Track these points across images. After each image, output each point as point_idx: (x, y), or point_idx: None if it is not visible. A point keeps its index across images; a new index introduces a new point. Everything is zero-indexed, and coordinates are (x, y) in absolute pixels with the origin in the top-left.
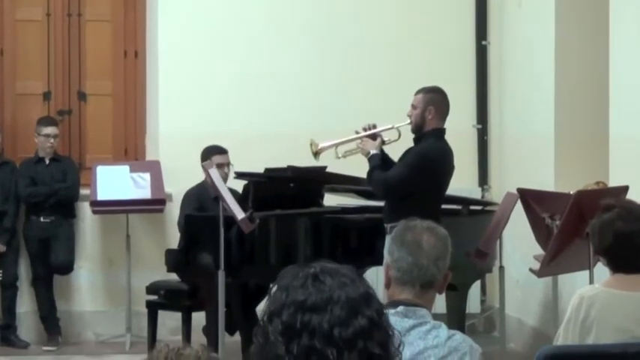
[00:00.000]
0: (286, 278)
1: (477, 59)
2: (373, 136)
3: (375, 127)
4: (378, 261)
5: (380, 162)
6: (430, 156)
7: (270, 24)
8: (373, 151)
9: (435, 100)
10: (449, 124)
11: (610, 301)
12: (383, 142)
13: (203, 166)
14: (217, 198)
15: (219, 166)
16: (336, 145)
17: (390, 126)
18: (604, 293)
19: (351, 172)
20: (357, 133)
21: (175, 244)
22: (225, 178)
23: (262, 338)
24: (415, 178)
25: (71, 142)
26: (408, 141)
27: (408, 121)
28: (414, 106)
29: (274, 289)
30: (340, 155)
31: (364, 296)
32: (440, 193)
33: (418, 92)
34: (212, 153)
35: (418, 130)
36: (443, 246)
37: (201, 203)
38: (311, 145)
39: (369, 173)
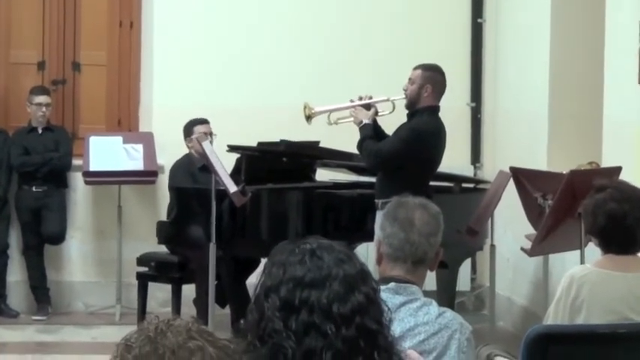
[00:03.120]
0: (282, 254)
1: (472, 37)
2: (367, 106)
3: (370, 98)
4: (369, 237)
5: (372, 132)
6: (424, 132)
7: None
8: (366, 121)
9: (433, 79)
10: (443, 101)
11: (600, 281)
12: (376, 113)
13: (197, 139)
14: (204, 167)
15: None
16: (330, 112)
17: (385, 98)
18: (595, 273)
19: (344, 147)
20: (352, 101)
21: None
22: None
23: (257, 314)
24: (407, 153)
25: (64, 112)
26: (402, 115)
27: (404, 95)
28: (411, 81)
29: (270, 264)
30: (332, 122)
31: (360, 273)
32: (431, 170)
33: (417, 68)
34: (194, 125)
35: (412, 106)
36: (435, 223)
37: (191, 174)
38: (305, 108)
39: (360, 142)
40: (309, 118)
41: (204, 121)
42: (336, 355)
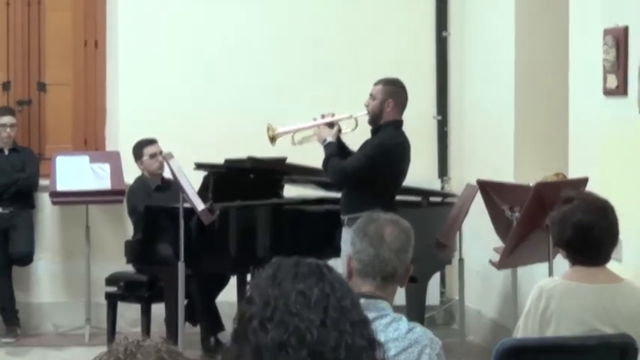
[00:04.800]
0: (286, 275)
1: (437, 50)
2: (330, 124)
3: (333, 115)
4: (337, 252)
5: (336, 150)
6: (388, 147)
7: (232, 13)
8: (330, 139)
9: (394, 93)
10: (409, 115)
11: (569, 292)
12: (340, 131)
13: (164, 157)
14: (159, 188)
15: (152, 155)
16: (293, 132)
17: (347, 115)
18: (563, 285)
19: (311, 163)
20: (314, 120)
21: None
22: (161, 167)
23: (253, 345)
24: (373, 168)
25: (31, 132)
26: (366, 131)
27: (366, 111)
28: (372, 97)
29: (264, 274)
30: (297, 142)
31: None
32: (397, 185)
33: (378, 83)
34: (142, 146)
35: (375, 121)
36: (405, 238)
37: (148, 195)
38: (268, 129)
39: (325, 161)
40: (273, 139)
41: (152, 142)
42: None
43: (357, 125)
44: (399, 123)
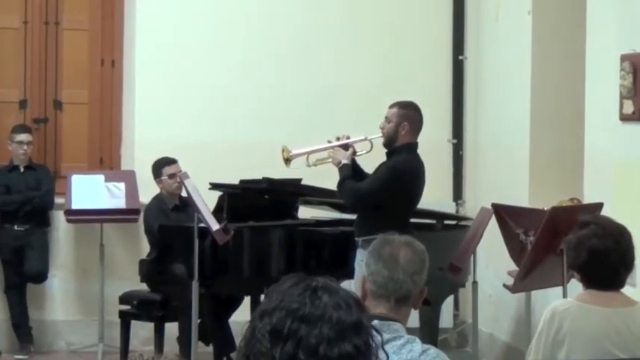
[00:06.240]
0: (286, 283)
1: (453, 74)
2: (345, 147)
3: (348, 137)
4: (351, 274)
5: (351, 172)
6: (403, 170)
7: (247, 35)
8: (344, 161)
9: (409, 116)
10: (424, 138)
11: (582, 314)
12: (354, 153)
13: (179, 176)
14: (176, 207)
15: (171, 176)
16: (308, 154)
17: (362, 137)
18: (576, 307)
19: (326, 184)
20: (329, 142)
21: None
22: (179, 187)
23: (249, 333)
24: (386, 192)
25: (46, 150)
26: (381, 154)
27: (381, 133)
28: (387, 119)
29: (272, 290)
30: (311, 163)
31: (355, 324)
32: (411, 208)
33: (393, 106)
34: (162, 165)
35: (390, 144)
36: (420, 261)
37: (164, 214)
38: (283, 151)
39: (340, 183)
40: (287, 161)
41: (172, 161)
42: None
43: (372, 148)
44: (413, 146)
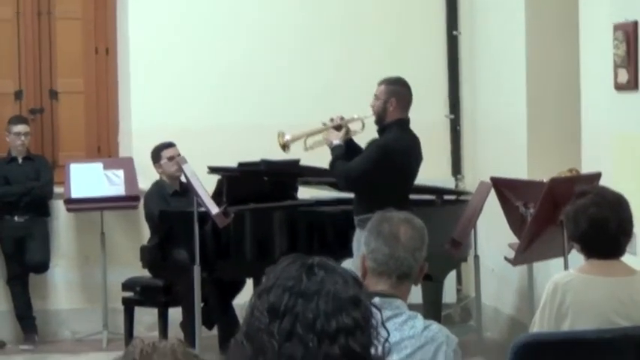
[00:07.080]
0: (284, 262)
1: (448, 49)
2: (338, 127)
3: (342, 118)
4: (352, 253)
5: (343, 152)
6: (391, 148)
7: (241, 18)
8: (336, 142)
9: (397, 92)
10: (421, 115)
11: (585, 286)
12: (347, 133)
13: (177, 161)
14: (176, 193)
15: (171, 158)
16: (304, 137)
17: (354, 117)
18: (578, 279)
19: (325, 164)
20: (324, 124)
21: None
22: (179, 170)
23: (249, 311)
24: (377, 171)
25: (44, 140)
26: (374, 132)
27: (372, 112)
28: (376, 97)
29: (271, 269)
30: (308, 147)
31: (353, 298)
32: (406, 185)
33: (381, 83)
34: (160, 150)
35: (380, 121)
36: (420, 237)
37: (164, 199)
38: (278, 137)
39: (331, 164)
40: (284, 146)
41: (170, 145)
42: None
43: (364, 127)
44: (404, 121)
